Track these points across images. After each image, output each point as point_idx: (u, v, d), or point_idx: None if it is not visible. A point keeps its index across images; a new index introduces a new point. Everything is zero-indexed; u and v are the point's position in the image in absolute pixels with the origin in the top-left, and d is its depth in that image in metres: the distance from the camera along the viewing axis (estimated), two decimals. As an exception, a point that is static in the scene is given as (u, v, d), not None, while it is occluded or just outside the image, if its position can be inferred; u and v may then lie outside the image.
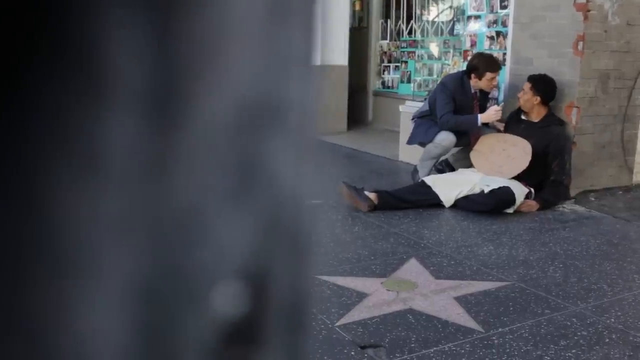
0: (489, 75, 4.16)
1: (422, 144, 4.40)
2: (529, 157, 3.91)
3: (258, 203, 0.21)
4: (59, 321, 0.16)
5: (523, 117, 4.16)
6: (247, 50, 0.20)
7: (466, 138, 4.29)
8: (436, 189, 3.86)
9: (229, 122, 0.19)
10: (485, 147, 4.13)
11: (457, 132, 4.24)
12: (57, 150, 0.16)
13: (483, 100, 4.45)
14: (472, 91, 4.27)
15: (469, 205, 3.79)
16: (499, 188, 3.75)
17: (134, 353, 0.18)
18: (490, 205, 3.71)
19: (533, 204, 3.86)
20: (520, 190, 3.81)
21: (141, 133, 0.17)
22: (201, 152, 0.19)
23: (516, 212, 3.78)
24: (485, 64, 4.18)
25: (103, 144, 0.16)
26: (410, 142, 4.50)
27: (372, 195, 3.71)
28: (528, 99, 4.06)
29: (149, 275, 0.18)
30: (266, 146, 0.21)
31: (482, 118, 4.19)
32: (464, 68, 4.41)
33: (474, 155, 4.15)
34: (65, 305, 0.16)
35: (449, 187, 3.87)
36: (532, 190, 3.96)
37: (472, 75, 4.22)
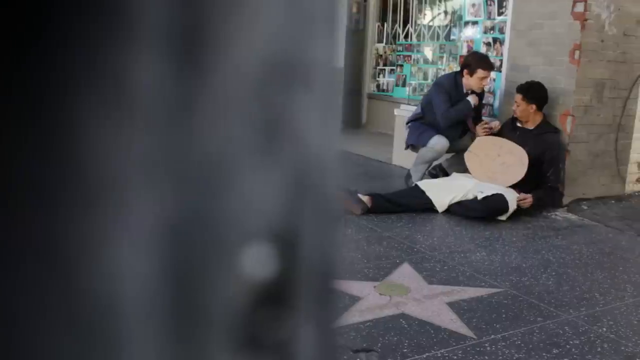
0: (480, 72, 4.16)
1: (415, 149, 4.40)
2: (524, 169, 3.91)
3: (284, 160, 0.21)
4: (89, 255, 0.16)
5: (518, 124, 4.16)
6: (272, 4, 0.20)
7: (460, 143, 4.30)
8: (429, 193, 3.86)
9: (254, 75, 0.20)
10: (481, 150, 4.13)
11: (450, 137, 4.25)
12: (83, 83, 0.16)
13: (478, 105, 4.45)
14: (464, 91, 4.27)
15: (462, 211, 3.79)
16: (492, 195, 3.75)
17: (163, 300, 0.18)
18: (483, 212, 3.72)
19: (529, 198, 3.86)
20: (513, 198, 3.82)
21: (167, 74, 0.17)
22: (226, 101, 0.19)
23: (509, 218, 3.78)
24: (478, 61, 4.20)
25: (129, 80, 0.16)
26: (406, 147, 4.50)
27: (365, 199, 3.71)
28: (524, 109, 4.07)
29: (176, 220, 0.18)
30: (292, 103, 0.21)
31: (470, 97, 4.24)
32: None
33: (468, 157, 4.15)
34: (93, 239, 0.16)
35: (442, 193, 3.86)
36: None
37: (465, 72, 4.24)
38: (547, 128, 4.11)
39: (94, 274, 0.17)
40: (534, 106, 4.05)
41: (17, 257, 0.16)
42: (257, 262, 0.20)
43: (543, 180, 4.00)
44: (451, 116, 4.21)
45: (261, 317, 0.21)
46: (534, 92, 4.05)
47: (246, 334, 0.20)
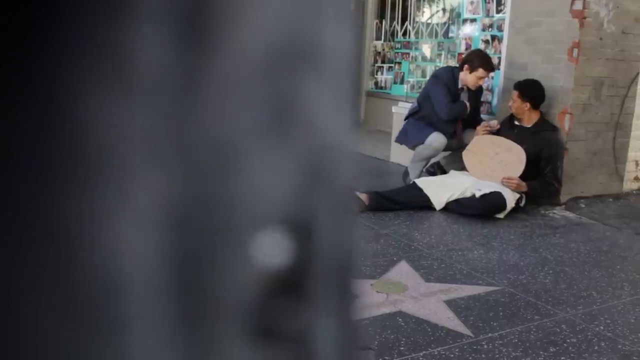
0: (481, 71, 4.16)
1: (413, 146, 4.39)
2: (522, 166, 3.91)
3: (295, 145, 0.21)
4: (92, 232, 0.16)
5: (516, 122, 4.16)
6: None
7: (457, 141, 4.30)
8: (427, 191, 3.85)
9: (261, 58, 0.19)
10: (479, 148, 4.12)
11: (448, 134, 4.24)
12: (83, 58, 0.16)
13: (475, 101, 4.44)
14: (459, 86, 4.26)
15: (459, 208, 3.78)
16: (491, 193, 3.75)
17: (168, 282, 0.17)
18: (481, 210, 3.71)
19: (514, 179, 3.86)
20: (511, 196, 3.81)
21: (171, 51, 0.17)
22: (232, 84, 0.18)
23: (506, 216, 3.78)
24: (481, 60, 4.18)
25: (130, 56, 0.16)
26: (399, 140, 4.48)
27: (362, 196, 3.70)
28: (519, 106, 4.07)
29: (182, 201, 0.18)
30: (300, 88, 0.21)
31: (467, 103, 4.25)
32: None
33: (466, 155, 4.15)
34: (96, 216, 0.16)
35: (440, 190, 3.86)
36: (524, 195, 3.96)
37: (465, 67, 4.22)
38: (545, 126, 4.11)
39: (97, 252, 0.16)
40: (528, 104, 4.05)
41: (16, 234, 0.16)
42: (270, 249, 0.20)
43: (541, 177, 4.00)
44: (454, 109, 4.21)
45: (275, 308, 0.20)
46: (529, 90, 4.05)
47: (259, 324, 0.20)
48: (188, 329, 0.18)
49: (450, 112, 4.21)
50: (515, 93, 4.07)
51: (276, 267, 0.20)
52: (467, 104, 4.24)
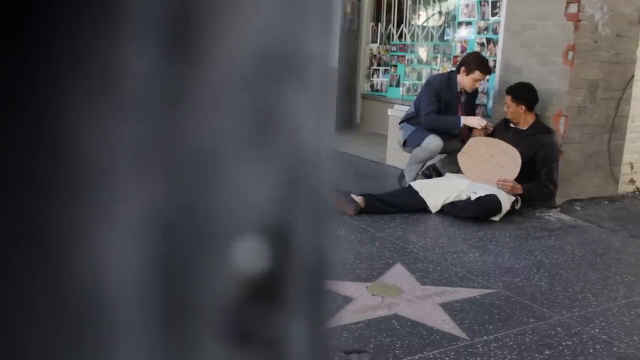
0: (477, 74, 4.16)
1: (407, 148, 4.40)
2: (517, 168, 3.91)
3: (277, 154, 0.21)
4: (76, 245, 0.16)
5: (511, 124, 4.17)
6: None
7: (453, 144, 4.29)
8: (422, 193, 3.85)
9: (246, 68, 0.19)
10: (474, 151, 4.12)
11: (444, 136, 4.24)
12: (71, 71, 0.16)
13: (470, 103, 4.45)
14: (458, 89, 4.27)
15: (455, 211, 3.79)
16: (486, 196, 3.75)
17: (152, 292, 0.18)
18: (476, 212, 3.72)
19: (509, 181, 3.86)
20: (507, 199, 3.82)
21: (157, 63, 0.17)
22: (218, 93, 0.19)
23: (502, 218, 3.78)
24: (478, 62, 4.19)
25: (118, 67, 0.16)
26: (403, 145, 4.47)
27: (358, 199, 3.70)
28: (514, 111, 4.08)
29: (166, 211, 0.18)
30: (284, 97, 0.21)
31: (464, 119, 4.20)
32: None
33: (461, 158, 4.15)
34: (81, 228, 0.16)
35: (436, 193, 3.86)
36: (519, 198, 3.97)
37: (462, 69, 4.23)
38: (540, 128, 4.12)
39: (81, 264, 0.16)
40: (523, 107, 4.06)
41: (1, 245, 0.15)
42: (248, 256, 0.20)
43: (536, 179, 4.00)
44: (433, 122, 4.20)
45: (252, 312, 0.20)
46: (523, 93, 4.06)
47: (237, 329, 0.20)
48: (169, 335, 0.18)
49: (429, 121, 4.21)
50: (508, 98, 4.09)
51: (253, 273, 0.20)
52: (461, 122, 4.22)
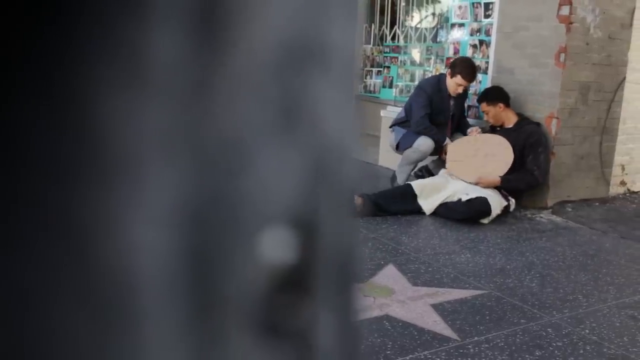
0: (459, 78, 4.18)
1: (400, 151, 4.40)
2: (509, 150, 3.94)
3: (302, 144, 0.21)
4: (106, 230, 0.16)
5: (497, 128, 4.19)
6: None
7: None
8: (420, 199, 3.84)
9: (271, 56, 0.19)
10: (459, 154, 4.13)
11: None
12: (100, 55, 0.16)
13: (460, 107, 4.46)
14: (447, 92, 4.28)
15: (446, 212, 3.79)
16: (476, 198, 3.76)
17: (180, 279, 0.18)
18: (465, 214, 3.72)
19: (493, 180, 3.89)
20: (497, 203, 3.82)
21: (185, 50, 0.17)
22: (244, 82, 0.19)
23: (493, 220, 3.79)
24: (462, 67, 4.20)
25: (147, 54, 0.16)
26: (397, 148, 4.47)
27: (357, 200, 3.68)
28: (494, 113, 4.12)
29: (194, 199, 0.18)
30: (309, 87, 0.21)
31: (448, 141, 4.27)
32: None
33: (452, 167, 4.13)
34: (110, 214, 0.16)
35: (434, 197, 3.85)
36: (513, 200, 3.98)
37: (448, 71, 4.28)
38: (527, 122, 4.14)
39: (111, 250, 0.16)
40: (500, 105, 4.09)
41: (31, 231, 0.16)
42: (275, 246, 0.20)
43: (524, 167, 4.00)
44: (423, 125, 4.22)
45: (280, 304, 0.20)
46: (493, 93, 4.13)
47: (264, 320, 0.20)
48: (199, 324, 0.18)
49: (420, 125, 4.24)
50: (483, 105, 4.14)
51: (281, 264, 0.20)
52: (446, 141, 4.26)
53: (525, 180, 3.99)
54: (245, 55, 0.19)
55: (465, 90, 4.42)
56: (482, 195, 3.78)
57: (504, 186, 3.92)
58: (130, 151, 0.16)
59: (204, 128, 0.18)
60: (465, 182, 3.97)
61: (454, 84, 4.21)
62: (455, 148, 4.17)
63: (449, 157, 4.17)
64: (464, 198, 3.78)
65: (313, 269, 0.22)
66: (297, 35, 0.20)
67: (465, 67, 4.20)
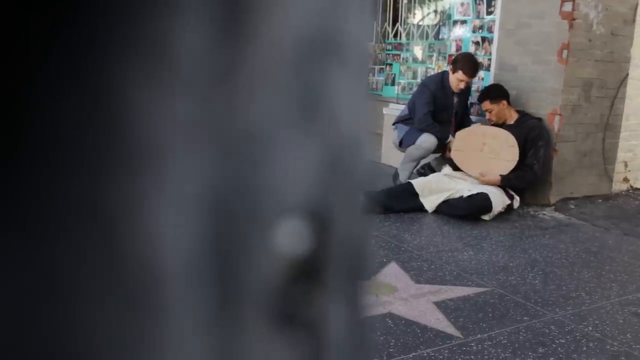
0: (460, 74, 4.18)
1: (403, 148, 4.40)
2: (515, 150, 3.93)
3: (320, 136, 0.21)
4: (131, 219, 0.16)
5: (500, 124, 4.19)
6: None
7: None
8: (422, 198, 3.84)
9: (291, 50, 0.20)
10: (465, 145, 4.14)
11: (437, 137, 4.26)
12: (124, 47, 0.16)
13: (464, 104, 4.46)
14: (451, 89, 4.28)
15: (448, 209, 3.79)
16: (477, 194, 3.76)
17: (203, 268, 0.18)
18: (468, 210, 3.72)
19: (495, 179, 3.89)
20: (499, 200, 3.82)
21: (208, 42, 0.17)
22: (265, 74, 0.19)
23: (496, 217, 3.78)
24: (464, 63, 4.21)
25: (170, 45, 0.16)
26: (400, 145, 4.47)
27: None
28: (498, 111, 4.10)
29: (216, 189, 0.18)
30: (327, 79, 0.21)
31: (451, 139, 4.26)
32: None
33: (455, 155, 4.15)
34: (136, 202, 0.16)
35: (436, 195, 3.85)
36: (518, 197, 3.97)
37: (450, 67, 4.29)
38: (528, 117, 4.14)
39: (136, 238, 0.16)
40: (504, 102, 4.09)
41: (58, 220, 0.16)
42: (291, 237, 0.20)
43: (524, 161, 4.00)
44: (427, 122, 4.22)
45: (294, 294, 0.21)
46: (495, 91, 4.11)
47: (279, 311, 0.20)
48: (221, 315, 0.18)
49: (423, 122, 4.25)
50: (486, 103, 4.12)
51: (297, 255, 0.20)
52: (449, 139, 4.27)
53: (525, 178, 3.99)
54: (266, 48, 0.19)
55: (468, 87, 4.41)
56: (483, 191, 3.78)
57: (504, 185, 3.91)
58: (154, 141, 0.17)
59: (226, 119, 0.18)
60: (466, 180, 3.97)
61: (455, 79, 4.22)
62: (463, 137, 4.17)
63: (456, 144, 4.17)
64: (466, 194, 3.79)
65: (326, 260, 0.22)
66: (317, 30, 0.20)
67: (467, 63, 4.20)
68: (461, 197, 3.80)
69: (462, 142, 4.16)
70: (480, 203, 3.74)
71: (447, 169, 4.17)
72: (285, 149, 0.20)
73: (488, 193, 3.77)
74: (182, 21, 0.17)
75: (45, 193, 0.16)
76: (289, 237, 0.20)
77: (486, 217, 3.76)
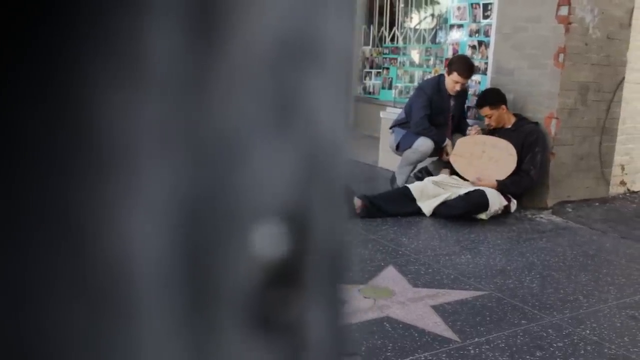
0: (455, 75, 4.19)
1: (400, 152, 4.41)
2: (514, 158, 3.94)
3: (296, 139, 0.21)
4: (101, 221, 0.16)
5: (497, 129, 4.19)
6: None
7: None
8: (420, 203, 3.84)
9: (266, 52, 0.20)
10: (465, 150, 4.14)
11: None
12: (96, 51, 0.16)
13: (460, 107, 4.46)
14: (447, 93, 4.29)
15: (446, 210, 3.80)
16: (474, 191, 3.78)
17: (175, 271, 0.18)
18: (464, 208, 3.73)
19: (492, 184, 3.89)
20: (496, 199, 3.83)
21: (181, 44, 0.17)
22: (239, 77, 0.19)
23: (493, 220, 3.79)
24: (459, 64, 4.22)
25: (142, 47, 0.16)
26: (397, 149, 4.47)
27: (357, 202, 3.69)
28: (498, 115, 4.11)
29: (189, 192, 0.18)
30: (304, 83, 0.21)
31: (447, 142, 4.26)
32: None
33: (454, 160, 4.16)
34: (106, 206, 0.16)
35: (433, 199, 3.86)
36: (515, 200, 3.98)
37: (446, 70, 4.30)
38: (525, 122, 4.14)
39: (106, 241, 0.16)
40: (503, 106, 4.10)
41: (28, 222, 0.16)
42: (268, 240, 0.20)
43: (521, 167, 4.01)
44: (423, 126, 4.22)
45: (271, 297, 0.21)
46: (494, 96, 4.11)
47: (256, 314, 0.20)
48: (194, 316, 0.18)
49: (419, 126, 4.25)
50: (486, 109, 4.11)
51: (274, 258, 0.20)
52: (445, 143, 4.27)
53: (522, 184, 3.99)
54: (240, 50, 0.19)
55: (465, 90, 4.42)
56: (478, 188, 3.80)
57: (501, 190, 3.92)
58: (126, 146, 0.16)
59: (199, 123, 0.18)
60: (460, 187, 3.97)
61: (451, 81, 4.23)
62: (463, 143, 4.18)
63: (455, 149, 4.18)
64: (462, 192, 3.80)
65: (304, 263, 0.22)
66: (293, 32, 0.20)
67: (462, 64, 4.21)
68: (458, 196, 3.80)
69: (461, 147, 4.17)
70: (477, 200, 3.74)
71: (442, 176, 4.17)
72: (261, 151, 0.20)
73: (485, 190, 3.78)
74: (154, 25, 0.16)
75: (15, 194, 0.16)
76: (266, 240, 0.20)
77: (483, 216, 3.76)
